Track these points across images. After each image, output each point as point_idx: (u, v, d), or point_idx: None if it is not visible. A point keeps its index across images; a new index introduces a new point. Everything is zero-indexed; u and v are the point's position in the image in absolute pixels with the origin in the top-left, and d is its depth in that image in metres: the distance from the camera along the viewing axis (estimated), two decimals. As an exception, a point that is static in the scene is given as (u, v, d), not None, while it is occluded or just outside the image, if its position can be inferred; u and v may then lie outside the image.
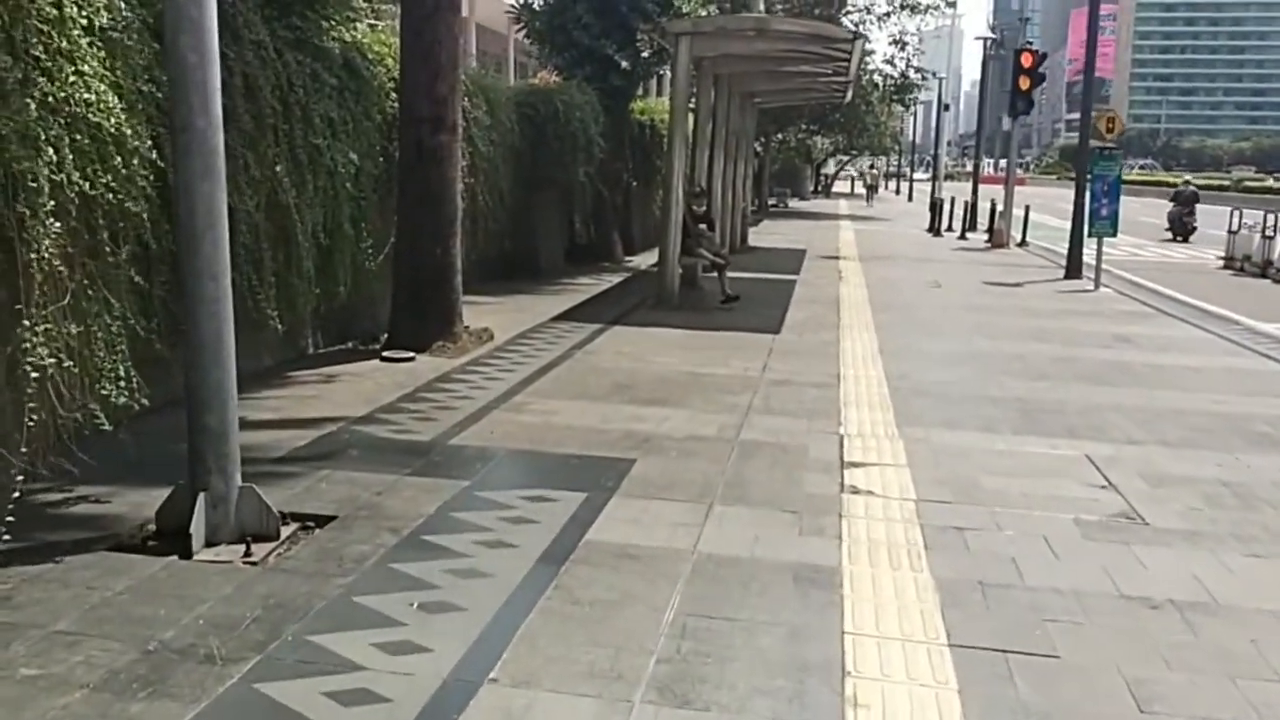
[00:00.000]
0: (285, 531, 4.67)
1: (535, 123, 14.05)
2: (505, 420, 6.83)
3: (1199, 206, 30.22)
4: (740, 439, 6.55)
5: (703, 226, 12.80)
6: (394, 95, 9.18)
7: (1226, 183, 70.15)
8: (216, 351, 4.45)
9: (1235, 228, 22.04)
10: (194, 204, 4.38)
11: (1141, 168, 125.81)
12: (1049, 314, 13.17)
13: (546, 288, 13.78)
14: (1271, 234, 20.25)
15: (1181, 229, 29.08)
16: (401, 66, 8.97)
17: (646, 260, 17.40)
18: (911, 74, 34.75)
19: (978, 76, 40.70)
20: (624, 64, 15.66)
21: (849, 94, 22.50)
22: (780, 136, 37.62)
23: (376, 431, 6.43)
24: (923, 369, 9.11)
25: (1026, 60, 23.28)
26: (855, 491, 5.57)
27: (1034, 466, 6.24)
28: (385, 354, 8.68)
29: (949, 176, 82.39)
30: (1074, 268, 17.50)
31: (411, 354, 8.70)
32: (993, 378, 8.87)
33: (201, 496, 4.48)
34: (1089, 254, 16.91)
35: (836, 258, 20.09)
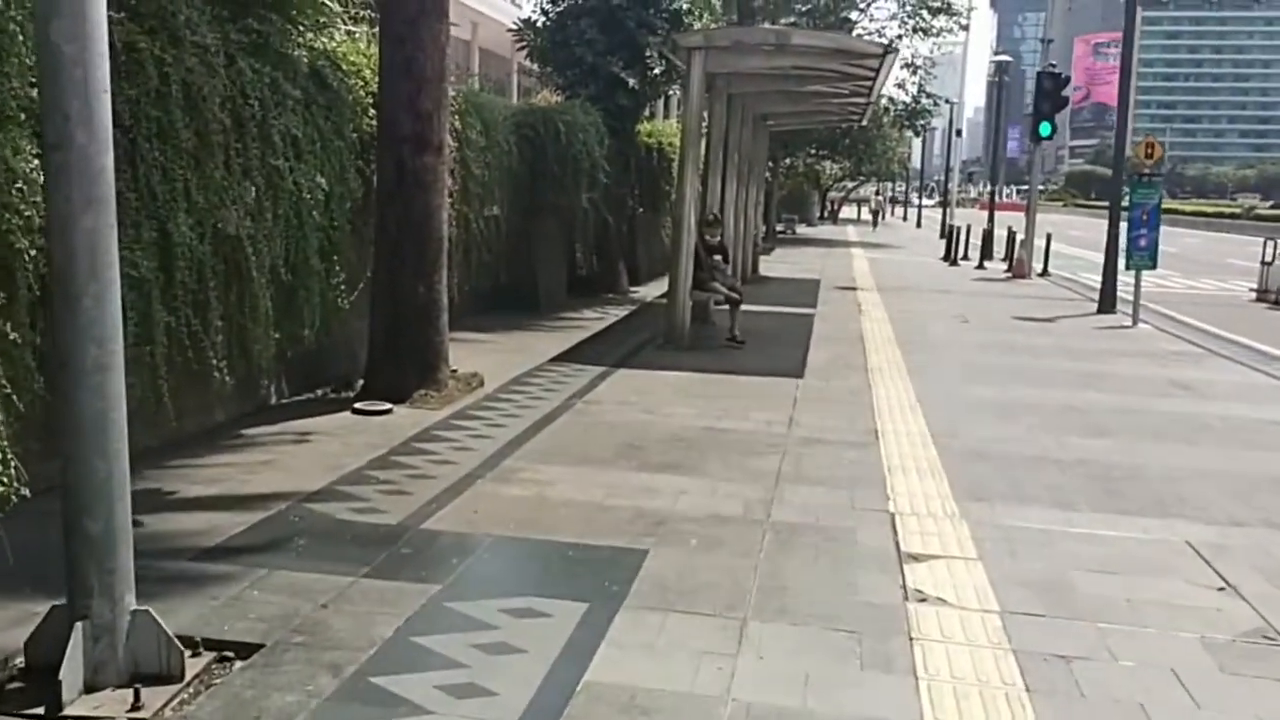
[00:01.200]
0: (194, 667, 3.58)
1: (535, 144, 13.05)
2: (491, 494, 5.74)
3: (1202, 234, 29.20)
4: (772, 519, 5.45)
5: (716, 258, 11.75)
6: (373, 111, 8.15)
7: (1237, 210, 69.28)
8: (100, 437, 3.37)
9: (1270, 258, 21.01)
10: (72, 245, 3.31)
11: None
12: (1091, 354, 12.09)
13: (546, 323, 12.72)
14: (1312, 266, 19.22)
15: None
16: (380, 78, 7.94)
17: (653, 291, 16.36)
18: (924, 99, 33.81)
19: (980, 103, 39.68)
20: (631, 83, 14.67)
21: (867, 115, 21.49)
22: (789, 161, 36.69)
23: (334, 511, 5.34)
24: (969, 423, 8.02)
25: (1049, 84, 22.29)
26: (923, 599, 4.47)
27: (1130, 558, 5.14)
28: (358, 406, 7.59)
29: (956, 203, 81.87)
30: (1108, 301, 16.44)
31: (388, 405, 7.61)
32: (1050, 434, 7.78)
33: (79, 627, 3.39)
34: (1122, 286, 15.89)
35: (853, 288, 19.03)
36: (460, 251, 11.08)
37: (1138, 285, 15.01)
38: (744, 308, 11.77)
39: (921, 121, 33.47)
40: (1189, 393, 9.86)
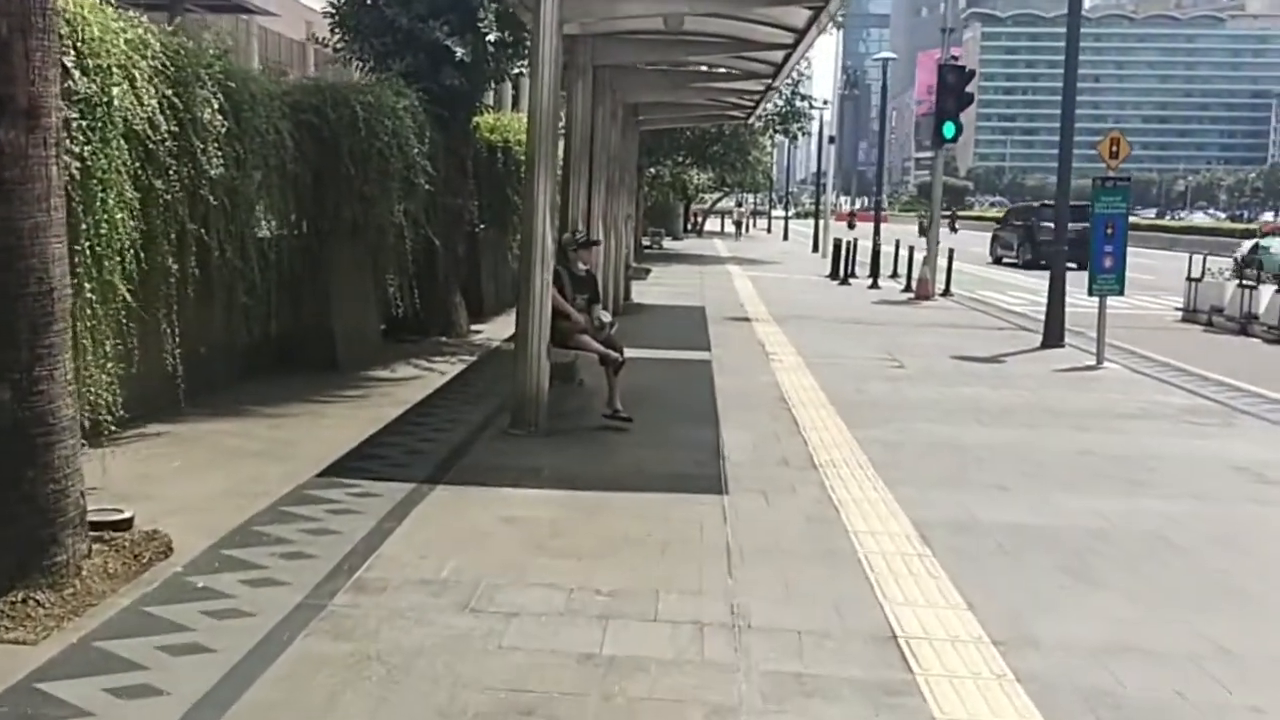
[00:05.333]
0: None
1: (322, 137, 9.22)
2: None
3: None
4: None
5: (582, 299, 8.12)
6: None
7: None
8: None
9: (1197, 275, 18.82)
10: None
11: (991, 204, 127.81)
12: (1088, 418, 9.01)
13: (341, 391, 8.87)
14: (1253, 283, 16.97)
15: None
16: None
17: (503, 330, 12.65)
18: (799, 101, 31.14)
19: (828, 116, 37.47)
20: (460, 54, 10.91)
21: (763, 104, 18.25)
22: (654, 170, 33.41)
23: None
24: (1034, 598, 4.65)
25: (953, 79, 19.66)
26: None
27: None
28: None
29: (808, 214, 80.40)
30: (1054, 333, 13.60)
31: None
32: (1155, 609, 4.53)
33: None
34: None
35: (746, 319, 15.72)
36: (193, 291, 7.25)
37: (1102, 317, 12.13)
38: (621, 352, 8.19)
39: (798, 125, 30.72)
40: (1267, 484, 6.83)
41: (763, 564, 4.92)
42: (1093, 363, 12.05)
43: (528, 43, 10.23)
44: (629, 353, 8.32)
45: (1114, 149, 12.07)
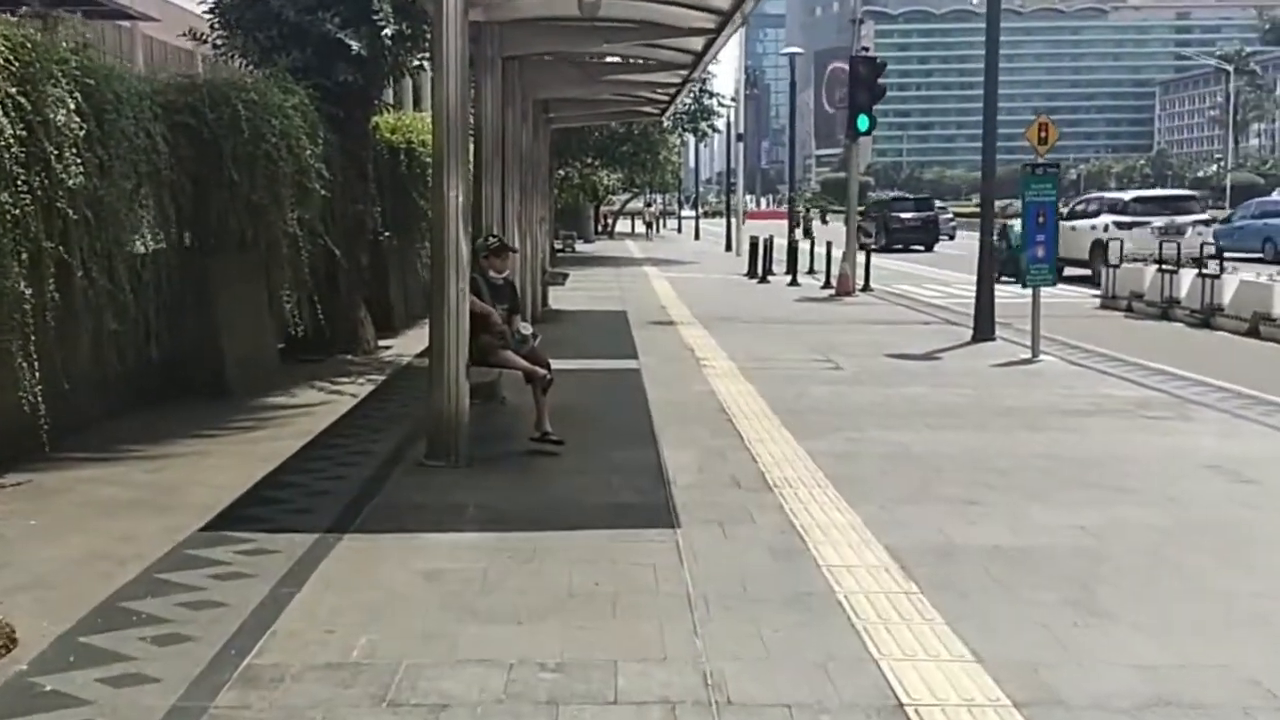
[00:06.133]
0: None
1: (201, 139, 8.27)
2: None
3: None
4: None
5: (502, 309, 7.34)
6: None
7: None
8: None
9: (1115, 260, 18.80)
10: None
11: (892, 199, 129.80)
12: (1036, 415, 8.57)
13: (234, 422, 7.95)
14: (1173, 268, 16.96)
15: None
16: None
17: (415, 343, 11.81)
18: (706, 99, 30.72)
19: (730, 117, 36.96)
20: (355, 47, 10.01)
21: (680, 98, 17.60)
22: (563, 172, 32.64)
23: None
24: (1043, 635, 4.07)
25: (865, 70, 19.33)
26: None
27: None
28: None
29: (715, 214, 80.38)
30: (985, 327, 13.23)
31: None
32: (1181, 648, 3.99)
33: None
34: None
35: (671, 322, 15.08)
36: (54, 319, 6.33)
37: (1036, 309, 11.78)
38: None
39: (707, 123, 30.27)
40: (1243, 483, 6.42)
41: (732, 615, 4.24)
42: (1028, 355, 11.69)
43: (429, 35, 9.43)
44: (556, 363, 7.58)
45: (1043, 134, 11.73)
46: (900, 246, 34.83)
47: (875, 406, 8.86)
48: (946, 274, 26.42)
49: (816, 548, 5.08)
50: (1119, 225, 22.11)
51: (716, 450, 7.18)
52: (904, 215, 35.93)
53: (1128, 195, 23.73)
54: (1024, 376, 10.71)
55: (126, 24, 33.35)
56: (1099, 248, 20.86)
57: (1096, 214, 23.90)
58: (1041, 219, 11.62)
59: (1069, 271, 21.58)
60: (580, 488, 6.21)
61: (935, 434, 7.81)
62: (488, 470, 6.59)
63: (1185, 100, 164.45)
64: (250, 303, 9.35)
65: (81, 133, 6.51)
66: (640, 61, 11.83)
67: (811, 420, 8.19)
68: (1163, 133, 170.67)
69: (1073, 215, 24.29)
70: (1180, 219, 21.76)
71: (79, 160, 6.48)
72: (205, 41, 10.71)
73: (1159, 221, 22.41)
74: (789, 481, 6.33)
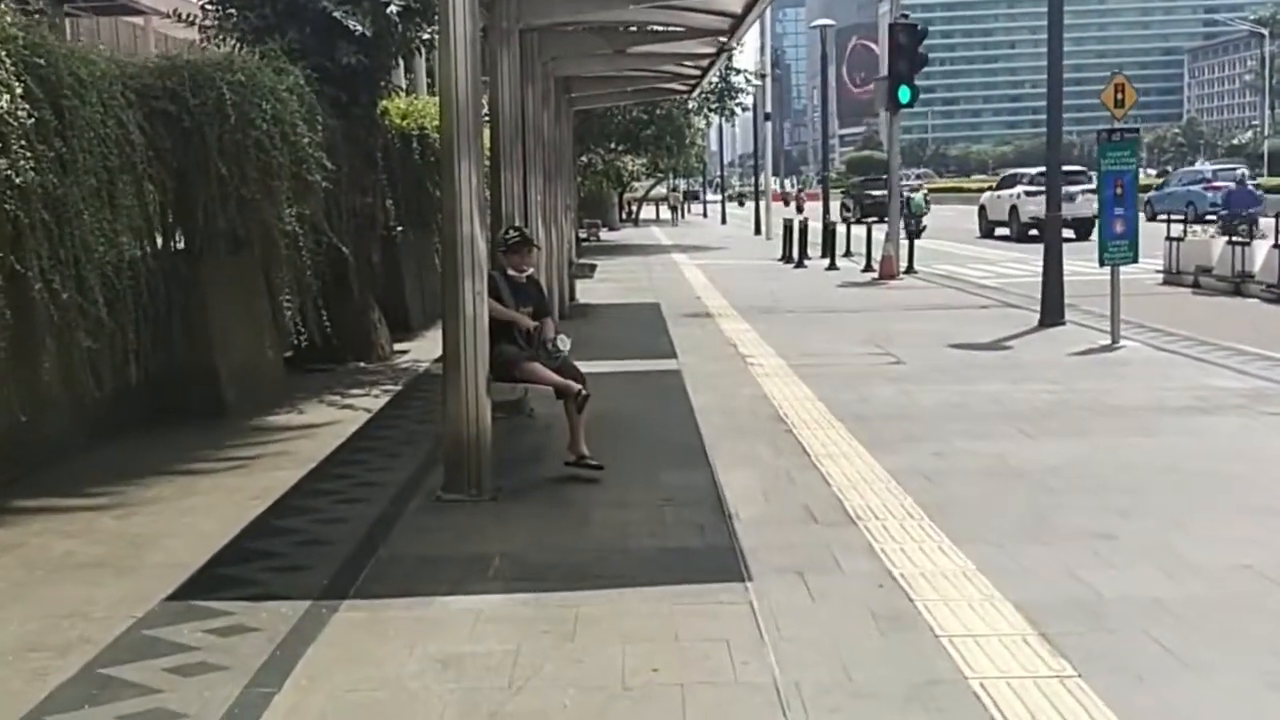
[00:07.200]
0: None
1: (183, 128, 7.31)
2: None
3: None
4: None
5: (526, 311, 6.33)
6: None
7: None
8: None
9: (1179, 234, 17.58)
10: None
11: (918, 176, 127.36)
12: (1146, 416, 7.49)
13: (227, 449, 7.00)
14: (1245, 239, 15.75)
15: None
16: None
17: (433, 347, 10.78)
18: (733, 76, 29.55)
19: (748, 100, 35.91)
20: (358, 28, 9.01)
21: (713, 71, 16.47)
22: (585, 159, 31.58)
23: None
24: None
25: (905, 38, 18.16)
26: None
27: None
28: None
29: (739, 197, 78.86)
30: (1053, 310, 12.13)
31: None
32: None
33: None
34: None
35: (709, 314, 14.04)
36: (2, 341, 5.42)
37: (1115, 290, 10.66)
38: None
39: (735, 102, 29.11)
40: None
41: (839, 720, 3.23)
42: (1108, 342, 10.59)
43: (433, 7, 8.41)
44: (585, 365, 6.58)
45: (1119, 96, 10.57)
46: (875, 219, 34.76)
47: (953, 409, 7.81)
48: (988, 252, 25.30)
49: (928, 608, 4.06)
50: (1027, 194, 27.22)
51: (781, 471, 6.16)
52: (874, 193, 39.53)
53: (1033, 170, 28.72)
54: (1110, 367, 9.61)
55: (140, 20, 32.42)
56: (1014, 211, 28.21)
57: (1013, 186, 29.67)
58: (1119, 189, 10.47)
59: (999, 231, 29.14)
60: (626, 526, 5.21)
61: (1032, 443, 6.74)
62: (516, 504, 5.61)
63: (1215, 67, 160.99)
64: (247, 310, 8.42)
65: (30, 122, 5.56)
66: (671, 29, 10.79)
67: (882, 429, 7.15)
68: (1192, 101, 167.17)
69: (1000, 186, 31.49)
70: (1071, 189, 23.14)
71: (29, 154, 5.54)
72: (192, 24, 9.74)
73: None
74: (873, 512, 5.30)
